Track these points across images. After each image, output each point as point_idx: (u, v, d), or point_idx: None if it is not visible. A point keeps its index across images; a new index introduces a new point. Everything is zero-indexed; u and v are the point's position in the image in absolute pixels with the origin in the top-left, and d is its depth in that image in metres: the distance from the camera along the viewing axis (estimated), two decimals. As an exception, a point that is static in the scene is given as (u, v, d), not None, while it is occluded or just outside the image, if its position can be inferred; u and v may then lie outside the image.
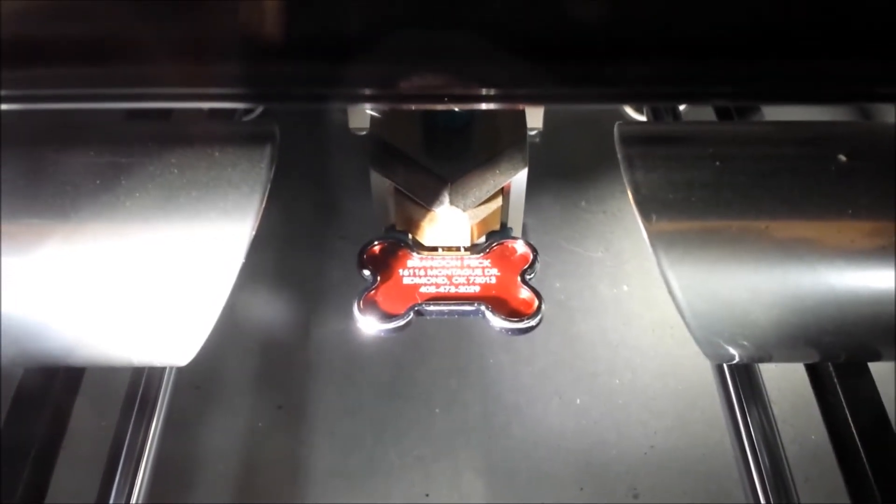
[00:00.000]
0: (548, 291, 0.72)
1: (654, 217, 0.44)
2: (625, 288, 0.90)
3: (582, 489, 0.75)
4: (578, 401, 0.81)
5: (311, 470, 0.75)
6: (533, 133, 0.82)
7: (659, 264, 0.44)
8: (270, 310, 0.87)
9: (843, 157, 0.45)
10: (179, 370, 0.63)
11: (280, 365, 0.83)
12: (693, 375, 0.81)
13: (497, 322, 0.49)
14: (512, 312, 0.50)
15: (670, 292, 0.44)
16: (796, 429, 0.75)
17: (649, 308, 0.87)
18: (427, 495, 0.74)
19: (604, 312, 0.88)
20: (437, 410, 0.79)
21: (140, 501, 0.55)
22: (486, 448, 0.77)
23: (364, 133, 0.87)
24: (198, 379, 0.80)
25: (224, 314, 0.44)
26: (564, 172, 1.00)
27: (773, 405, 0.60)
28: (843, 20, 0.39)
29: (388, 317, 0.49)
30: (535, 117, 0.77)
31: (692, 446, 0.77)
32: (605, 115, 0.58)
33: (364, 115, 0.61)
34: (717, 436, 0.74)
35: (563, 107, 0.84)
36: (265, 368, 0.83)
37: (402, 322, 0.49)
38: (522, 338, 0.84)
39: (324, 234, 0.93)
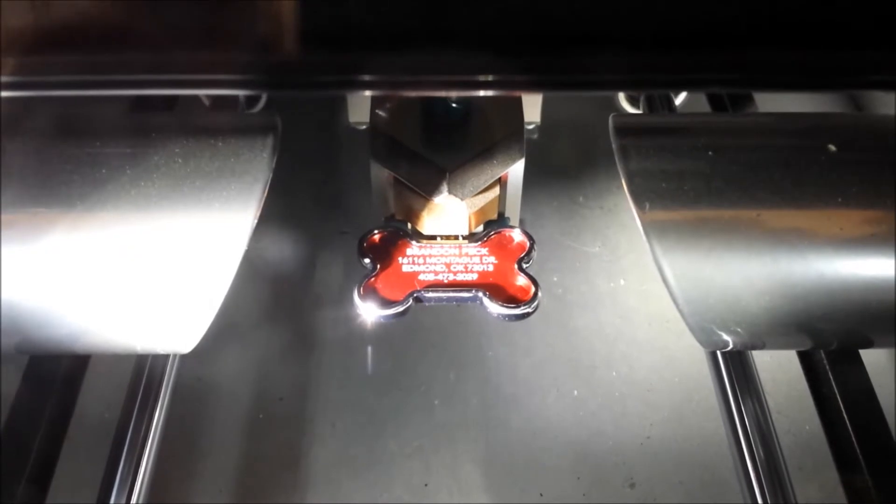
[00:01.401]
0: (546, 286, 0.73)
1: (647, 206, 0.45)
2: (622, 282, 0.90)
3: (579, 478, 0.75)
4: (576, 393, 0.81)
5: (312, 460, 0.75)
6: (530, 127, 0.83)
7: (652, 252, 0.45)
8: (271, 303, 0.87)
9: (832, 148, 0.46)
10: (182, 363, 0.64)
11: (281, 358, 0.84)
12: (689, 368, 0.82)
13: (494, 308, 0.50)
14: (509, 299, 0.51)
15: (664, 280, 0.45)
16: (791, 419, 0.76)
17: (646, 302, 0.88)
18: (426, 485, 0.74)
19: (601, 306, 0.88)
20: (436, 402, 0.80)
21: (143, 492, 0.56)
22: (485, 439, 0.78)
23: (364, 127, 0.88)
24: (200, 371, 0.81)
25: (224, 307, 0.45)
26: (562, 169, 1.01)
27: (768, 397, 0.61)
28: (835, 9, 0.39)
29: (388, 303, 0.50)
30: (532, 111, 0.78)
31: (688, 437, 0.78)
32: (601, 112, 0.59)
33: (364, 109, 0.62)
34: (712, 427, 0.75)
35: (559, 94, 0.85)
36: (266, 361, 0.83)
37: (401, 308, 0.50)
38: (521, 331, 0.85)
39: (325, 229, 0.94)
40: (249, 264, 0.45)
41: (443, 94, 0.54)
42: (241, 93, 0.69)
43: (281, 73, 0.42)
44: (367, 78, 0.41)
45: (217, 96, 0.71)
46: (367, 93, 0.50)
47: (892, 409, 0.54)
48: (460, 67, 0.41)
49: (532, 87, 0.50)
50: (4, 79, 0.40)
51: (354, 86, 0.44)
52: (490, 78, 0.41)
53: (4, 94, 0.41)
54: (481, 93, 0.43)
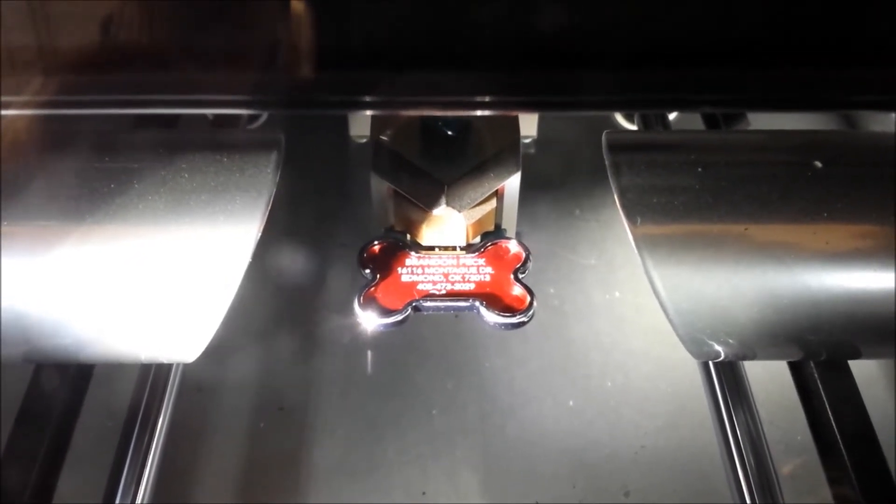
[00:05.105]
0: (542, 297, 0.74)
1: (639, 220, 0.46)
2: (617, 294, 0.91)
3: (574, 486, 0.76)
4: (572, 402, 0.82)
5: (313, 467, 0.76)
6: (527, 141, 0.84)
7: (644, 265, 0.46)
8: (271, 313, 0.88)
9: (818, 164, 0.47)
10: (184, 375, 0.65)
11: (281, 369, 0.85)
12: (683, 379, 0.83)
13: (491, 317, 0.51)
14: (505, 308, 0.52)
15: (655, 292, 0.46)
16: (783, 430, 0.76)
17: (640, 313, 0.89)
18: (424, 493, 0.75)
19: (596, 317, 0.89)
20: (434, 411, 0.81)
21: (146, 496, 0.57)
22: (482, 447, 0.78)
23: (364, 140, 0.89)
24: (201, 383, 0.82)
25: (226, 317, 0.46)
26: (559, 182, 1.02)
27: (761, 408, 0.62)
28: (826, 32, 0.41)
29: (388, 312, 0.51)
30: (528, 125, 0.79)
31: (682, 447, 0.79)
32: (597, 127, 0.59)
33: (364, 123, 0.63)
34: (705, 436, 0.75)
35: (555, 114, 0.86)
36: (266, 373, 0.84)
37: (400, 317, 0.51)
38: (517, 341, 0.86)
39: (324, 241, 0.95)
40: (250, 276, 0.46)
41: (441, 114, 0.55)
42: (245, 112, 0.70)
43: (283, 93, 0.43)
44: (367, 98, 0.42)
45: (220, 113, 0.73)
46: (368, 112, 0.51)
47: (881, 419, 0.55)
48: (458, 88, 0.42)
49: (529, 107, 0.51)
50: (7, 98, 0.41)
51: (355, 106, 0.45)
52: (487, 99, 0.42)
53: (10, 112, 0.42)
54: (479, 113, 0.45)
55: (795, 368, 0.58)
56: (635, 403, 0.82)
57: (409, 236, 0.57)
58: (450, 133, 0.57)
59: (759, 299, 0.46)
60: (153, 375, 0.61)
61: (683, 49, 0.42)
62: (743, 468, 0.58)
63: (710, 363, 0.64)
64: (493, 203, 0.57)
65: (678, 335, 0.48)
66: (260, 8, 0.40)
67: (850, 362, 0.57)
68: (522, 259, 0.54)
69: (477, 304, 0.51)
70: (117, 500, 0.55)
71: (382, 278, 0.53)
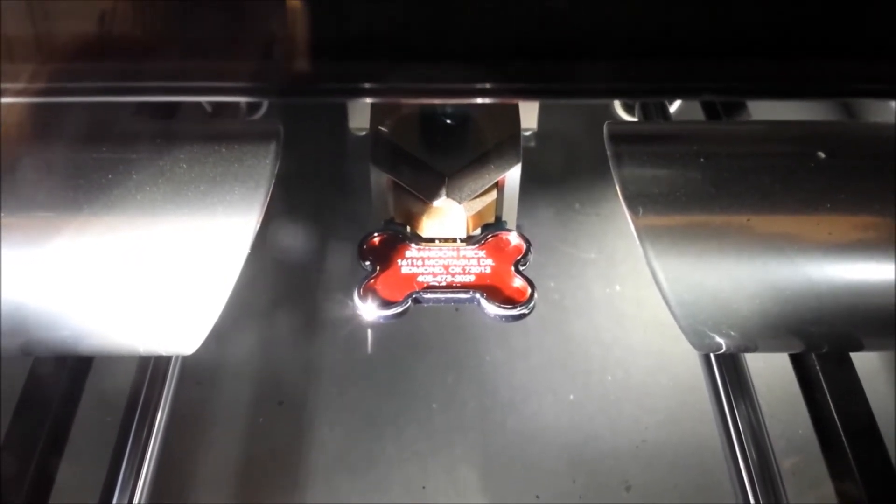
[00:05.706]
0: (542, 291, 0.74)
1: (641, 211, 0.46)
2: (617, 288, 0.91)
3: (575, 481, 0.76)
4: (572, 397, 0.82)
5: (312, 462, 0.76)
6: (527, 134, 0.84)
7: (646, 256, 0.46)
8: (272, 308, 0.88)
9: (821, 155, 0.47)
10: (183, 369, 0.65)
11: (281, 363, 0.85)
12: (684, 373, 0.83)
13: (491, 309, 0.51)
14: (506, 300, 0.51)
15: (657, 283, 0.46)
16: (785, 423, 0.76)
17: (641, 308, 0.89)
18: (424, 487, 0.75)
19: (597, 312, 0.89)
20: (434, 406, 0.81)
21: (145, 492, 0.57)
22: (482, 442, 0.78)
23: (363, 133, 0.89)
24: (200, 376, 0.81)
25: (224, 311, 0.46)
26: (559, 176, 1.01)
27: (762, 401, 0.61)
28: (826, 20, 0.41)
29: (388, 304, 0.51)
30: (529, 118, 0.79)
31: (683, 441, 0.79)
32: (598, 120, 0.59)
33: (364, 115, 0.63)
34: (707, 430, 0.75)
35: (555, 101, 0.86)
36: (266, 368, 0.84)
37: (400, 309, 0.51)
38: (517, 335, 0.86)
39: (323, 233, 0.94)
40: (248, 268, 0.46)
41: (440, 101, 0.55)
42: (244, 100, 0.70)
43: (283, 81, 0.43)
44: (367, 86, 0.42)
45: (219, 103, 0.72)
46: (368, 100, 0.51)
47: (883, 412, 0.55)
48: (458, 76, 0.42)
49: (528, 94, 0.51)
50: (8, 85, 0.41)
51: (355, 93, 0.45)
52: (487, 86, 0.42)
53: (7, 100, 0.42)
54: (478, 101, 0.44)
55: (797, 361, 0.58)
56: (636, 398, 0.82)
57: (409, 228, 0.56)
58: (450, 124, 0.57)
59: (762, 291, 0.46)
60: (152, 368, 0.61)
61: (684, 37, 0.42)
62: (745, 462, 0.58)
63: (712, 356, 0.64)
64: (493, 195, 0.57)
65: (680, 327, 0.47)
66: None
67: (852, 355, 0.57)
68: (523, 251, 0.54)
69: (477, 295, 0.51)
70: (116, 493, 0.55)
71: (382, 270, 0.53)
